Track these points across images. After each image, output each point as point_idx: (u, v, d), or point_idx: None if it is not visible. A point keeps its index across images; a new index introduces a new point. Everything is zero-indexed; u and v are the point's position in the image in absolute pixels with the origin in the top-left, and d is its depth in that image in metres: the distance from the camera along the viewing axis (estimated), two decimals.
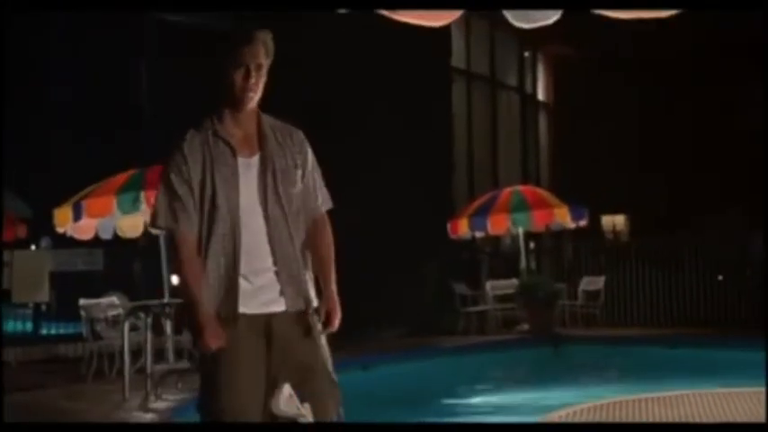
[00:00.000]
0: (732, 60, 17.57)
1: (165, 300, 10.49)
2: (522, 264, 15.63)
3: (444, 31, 15.75)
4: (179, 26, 15.08)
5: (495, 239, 18.12)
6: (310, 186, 3.39)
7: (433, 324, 15.00)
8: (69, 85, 16.28)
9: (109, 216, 10.49)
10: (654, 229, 16.72)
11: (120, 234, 11.23)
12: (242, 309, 3.19)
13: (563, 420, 7.00)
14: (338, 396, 3.30)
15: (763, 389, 6.95)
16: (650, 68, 18.05)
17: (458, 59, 18.80)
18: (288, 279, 3.24)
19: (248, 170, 3.25)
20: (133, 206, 10.04)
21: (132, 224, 10.94)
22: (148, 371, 9.07)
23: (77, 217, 10.36)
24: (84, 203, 10.28)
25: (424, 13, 3.35)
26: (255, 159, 3.27)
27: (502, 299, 15.28)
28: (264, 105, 3.36)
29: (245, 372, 3.15)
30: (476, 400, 9.75)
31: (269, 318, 3.21)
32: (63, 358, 12.76)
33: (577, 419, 7.06)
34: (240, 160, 3.25)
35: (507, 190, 15.57)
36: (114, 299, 11.29)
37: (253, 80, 3.24)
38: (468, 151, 19.12)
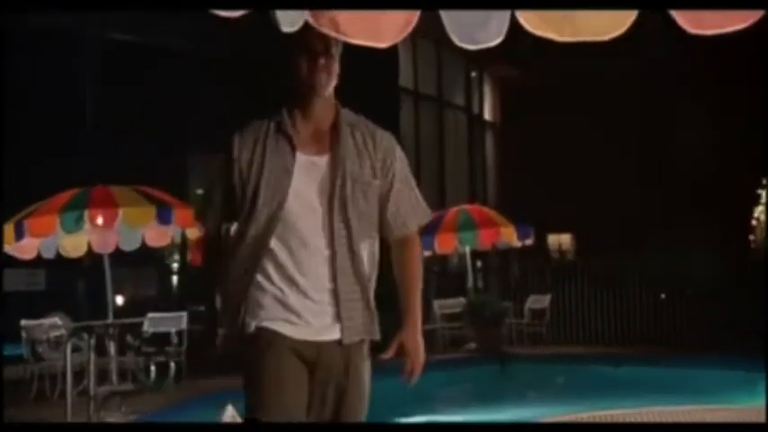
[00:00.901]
0: (676, 82, 17.89)
1: (109, 320, 10.34)
2: (469, 282, 15.68)
3: (392, 51, 15.82)
4: (123, 45, 14.97)
5: (442, 258, 18.17)
6: (399, 201, 2.97)
7: (379, 343, 14.94)
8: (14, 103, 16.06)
9: (52, 235, 10.33)
10: (599, 248, 16.91)
11: (62, 253, 11.06)
12: (286, 331, 2.77)
13: None
14: None
15: (708, 406, 7.05)
16: (596, 89, 18.30)
17: (405, 79, 18.88)
18: (346, 304, 2.82)
19: (311, 170, 2.83)
20: (76, 225, 9.91)
21: (75, 243, 10.80)
22: (91, 393, 8.92)
23: (19, 236, 10.18)
24: (27, 223, 10.11)
25: (369, 33, 3.29)
26: (324, 160, 2.85)
27: (449, 318, 15.31)
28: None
29: (288, 400, 2.75)
30: (423, 419, 9.73)
31: (319, 346, 2.80)
32: (4, 380, 12.49)
33: None
34: (302, 158, 2.84)
35: (454, 209, 15.64)
36: (57, 319, 11.11)
37: (322, 61, 2.89)
38: (416, 170, 19.06)
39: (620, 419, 7.84)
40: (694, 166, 18.90)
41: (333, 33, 2.89)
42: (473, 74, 21.51)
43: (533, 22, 3.25)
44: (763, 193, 14.72)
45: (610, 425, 6.47)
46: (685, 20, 3.26)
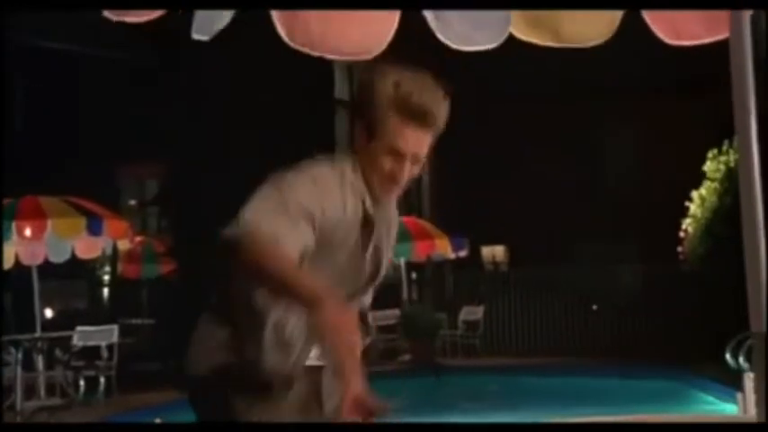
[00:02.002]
0: (605, 96, 18.16)
1: (37, 334, 10.12)
2: (404, 294, 15.71)
3: (326, 62, 15.82)
4: (52, 52, 14.72)
5: None
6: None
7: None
8: None
9: None
10: (532, 261, 17.07)
11: None
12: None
13: None
14: None
15: (637, 416, 7.12)
16: (522, 101, 18.49)
17: (341, 91, 18.89)
18: None
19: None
20: (3, 236, 9.68)
21: (2, 255, 10.54)
22: (18, 408, 8.72)
23: None
24: None
25: (346, 48, 3.28)
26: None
27: (384, 329, 15.31)
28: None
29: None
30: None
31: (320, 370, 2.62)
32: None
33: None
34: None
35: None
36: None
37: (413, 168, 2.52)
38: None
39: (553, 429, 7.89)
40: (624, 179, 19.22)
41: (307, 50, 2.94)
42: None
43: (522, 28, 3.26)
44: (690, 205, 14.99)
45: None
46: (663, 31, 3.31)
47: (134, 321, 15.56)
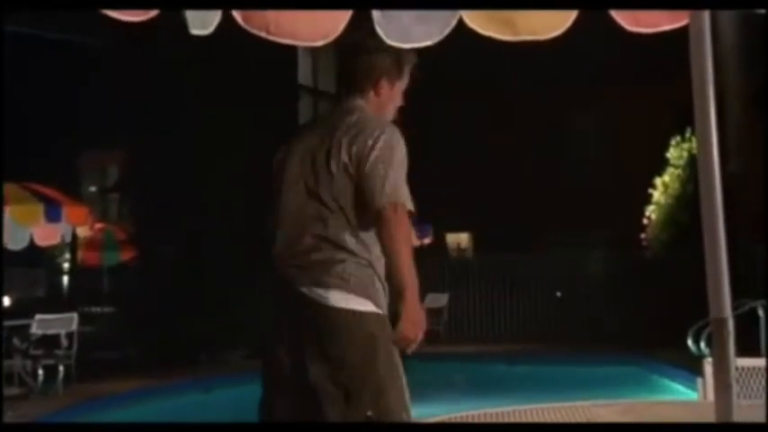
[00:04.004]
0: (566, 86, 18.19)
1: None
2: None
3: (291, 48, 15.70)
4: (10, 36, 14.44)
5: None
6: None
7: None
8: None
9: None
10: (497, 248, 17.08)
11: None
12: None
13: None
14: None
15: (599, 401, 7.13)
16: (497, 87, 18.47)
17: (305, 77, 18.77)
18: None
19: None
20: None
21: None
22: None
23: None
24: None
25: (300, 33, 3.25)
26: None
27: None
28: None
29: None
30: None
31: None
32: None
33: None
34: None
35: None
36: None
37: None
38: None
39: (516, 417, 7.89)
40: (588, 167, 19.29)
41: (263, 35, 2.97)
42: None
43: (479, 22, 3.25)
44: (654, 192, 15.07)
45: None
46: (623, 18, 3.32)
47: (94, 309, 15.40)
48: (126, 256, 16.06)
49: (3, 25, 11.39)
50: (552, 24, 3.36)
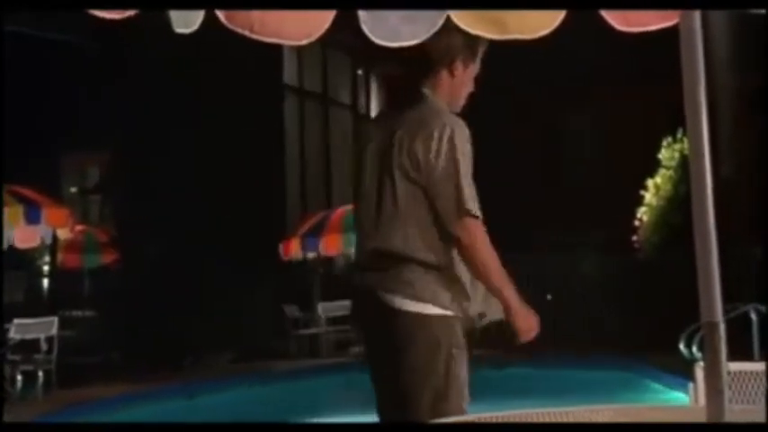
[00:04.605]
0: (559, 85, 18.12)
1: None
2: None
3: (277, 47, 15.58)
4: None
5: (328, 260, 17.97)
6: None
7: (264, 348, 14.65)
8: None
9: None
10: (495, 247, 16.92)
11: None
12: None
13: None
14: None
15: (593, 407, 6.98)
16: (490, 88, 18.37)
17: (290, 76, 18.63)
18: None
19: None
20: None
21: None
22: None
23: None
24: None
25: (284, 32, 3.19)
26: None
27: (334, 321, 15.08)
28: None
29: None
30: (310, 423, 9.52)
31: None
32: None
33: None
34: None
35: (340, 210, 15.42)
36: None
37: None
38: (301, 170, 18.93)
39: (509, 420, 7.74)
40: (581, 167, 19.21)
41: (247, 33, 2.91)
42: (359, 72, 21.38)
43: (468, 20, 3.22)
44: (646, 194, 14.98)
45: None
46: (613, 17, 3.28)
47: (74, 313, 15.24)
48: (107, 258, 15.89)
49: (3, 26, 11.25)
50: (541, 23, 3.32)
